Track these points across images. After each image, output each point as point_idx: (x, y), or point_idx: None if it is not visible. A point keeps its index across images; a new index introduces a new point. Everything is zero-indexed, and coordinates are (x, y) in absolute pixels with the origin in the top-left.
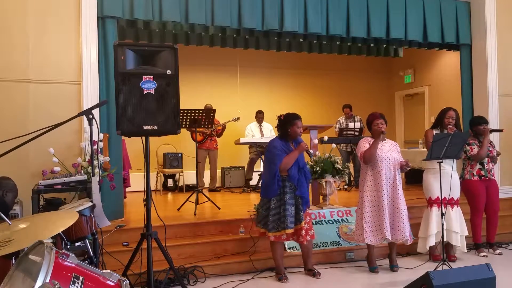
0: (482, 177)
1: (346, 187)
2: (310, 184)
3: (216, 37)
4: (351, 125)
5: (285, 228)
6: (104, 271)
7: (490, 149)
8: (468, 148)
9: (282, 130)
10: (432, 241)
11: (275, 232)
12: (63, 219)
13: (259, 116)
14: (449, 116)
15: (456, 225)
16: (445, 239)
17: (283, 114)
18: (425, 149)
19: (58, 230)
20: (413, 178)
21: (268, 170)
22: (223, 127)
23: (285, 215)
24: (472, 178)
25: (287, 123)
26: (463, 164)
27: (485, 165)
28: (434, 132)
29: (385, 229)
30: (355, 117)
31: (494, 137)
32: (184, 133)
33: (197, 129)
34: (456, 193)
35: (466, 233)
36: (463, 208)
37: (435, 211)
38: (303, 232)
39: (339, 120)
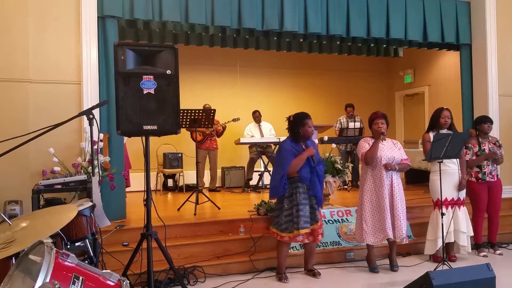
0: (480, 180)
1: (346, 187)
2: None
3: (216, 37)
4: (351, 125)
5: (298, 229)
6: (104, 271)
7: (495, 149)
8: (464, 150)
9: (293, 131)
10: (441, 243)
11: (289, 233)
12: (63, 215)
13: (256, 116)
14: (445, 116)
15: (463, 225)
16: (452, 240)
17: (292, 115)
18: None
19: (59, 227)
20: (413, 178)
21: (276, 172)
22: (224, 128)
23: (298, 215)
24: (471, 179)
25: (297, 124)
26: None
27: (483, 168)
28: (431, 134)
29: (388, 228)
30: (356, 117)
31: (495, 135)
32: (184, 133)
33: (197, 128)
34: (462, 193)
35: (472, 233)
36: (468, 208)
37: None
38: (321, 230)
39: (339, 120)
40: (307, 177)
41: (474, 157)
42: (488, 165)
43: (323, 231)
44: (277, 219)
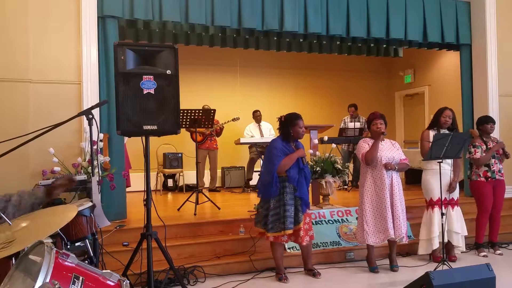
0: (489, 179)
1: (346, 187)
2: (310, 184)
3: (216, 37)
4: (351, 125)
5: (285, 229)
6: (104, 271)
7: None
8: (472, 150)
9: (283, 131)
10: (436, 243)
11: (275, 233)
12: (63, 214)
13: (257, 115)
14: (446, 115)
15: (457, 226)
16: (446, 240)
17: (283, 115)
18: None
19: (59, 226)
20: (413, 178)
21: (266, 171)
22: (221, 128)
23: (285, 215)
24: (479, 179)
25: (288, 124)
26: (470, 164)
27: (492, 167)
28: (431, 132)
29: (389, 228)
30: (360, 117)
31: (495, 136)
32: (184, 133)
33: (197, 129)
34: (456, 193)
35: (466, 233)
36: (467, 208)
37: (437, 212)
38: (302, 232)
39: (344, 119)
40: (295, 177)
41: (484, 154)
42: (496, 164)
43: (313, 233)
44: (264, 218)
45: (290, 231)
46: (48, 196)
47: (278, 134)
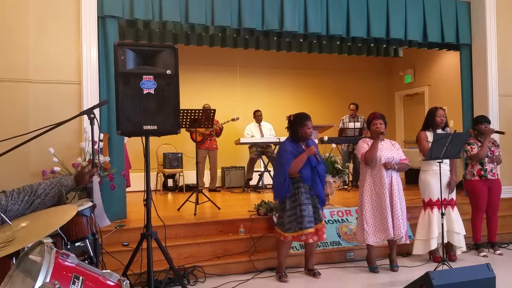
0: (482, 177)
1: (346, 187)
2: None
3: (216, 37)
4: (351, 125)
5: (302, 229)
6: (104, 271)
7: (493, 149)
8: (468, 147)
9: (292, 131)
10: (434, 244)
11: (293, 233)
12: (63, 214)
13: (257, 115)
14: (440, 115)
15: (457, 226)
16: (446, 240)
17: (292, 115)
18: None
19: (59, 225)
20: (413, 178)
21: (277, 174)
22: (221, 128)
23: (302, 215)
24: (473, 178)
25: (297, 124)
26: (466, 164)
27: (484, 165)
28: (428, 133)
29: (389, 227)
30: (359, 117)
31: (493, 137)
32: (184, 133)
33: (197, 129)
34: (454, 193)
35: (465, 233)
36: (467, 208)
37: (436, 212)
38: (324, 229)
39: (342, 119)
40: (308, 177)
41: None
42: (489, 163)
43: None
44: (280, 219)
45: (311, 230)
46: (78, 183)
47: (286, 133)
